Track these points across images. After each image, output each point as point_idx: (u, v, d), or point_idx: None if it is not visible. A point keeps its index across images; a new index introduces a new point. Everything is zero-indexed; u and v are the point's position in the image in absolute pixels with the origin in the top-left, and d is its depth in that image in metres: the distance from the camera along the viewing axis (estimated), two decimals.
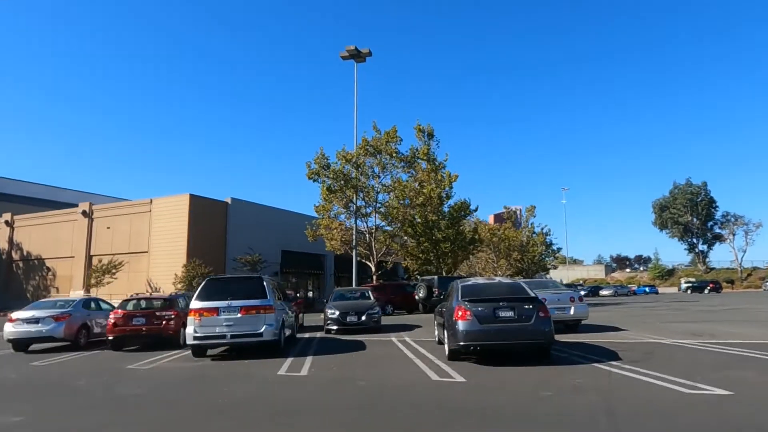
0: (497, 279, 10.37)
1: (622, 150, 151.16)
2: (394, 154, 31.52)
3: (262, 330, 10.65)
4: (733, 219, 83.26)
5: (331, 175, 29.59)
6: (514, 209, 68.87)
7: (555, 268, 76.32)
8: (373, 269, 32.42)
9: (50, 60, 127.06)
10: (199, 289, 11.15)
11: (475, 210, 37.52)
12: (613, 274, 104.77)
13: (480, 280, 10.37)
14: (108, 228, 38.11)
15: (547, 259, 69.64)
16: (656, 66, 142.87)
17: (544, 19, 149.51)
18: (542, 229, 70.37)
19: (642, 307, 28.66)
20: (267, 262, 36.62)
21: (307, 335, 15.90)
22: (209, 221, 36.42)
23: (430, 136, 35.51)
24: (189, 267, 32.38)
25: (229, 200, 38.58)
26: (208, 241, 35.84)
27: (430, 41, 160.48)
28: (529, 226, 68.63)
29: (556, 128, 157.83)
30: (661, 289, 75.89)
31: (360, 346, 12.55)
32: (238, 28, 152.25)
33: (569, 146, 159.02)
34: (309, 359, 10.19)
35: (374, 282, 32.12)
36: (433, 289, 26.60)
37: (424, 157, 35.11)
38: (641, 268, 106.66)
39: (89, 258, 38.34)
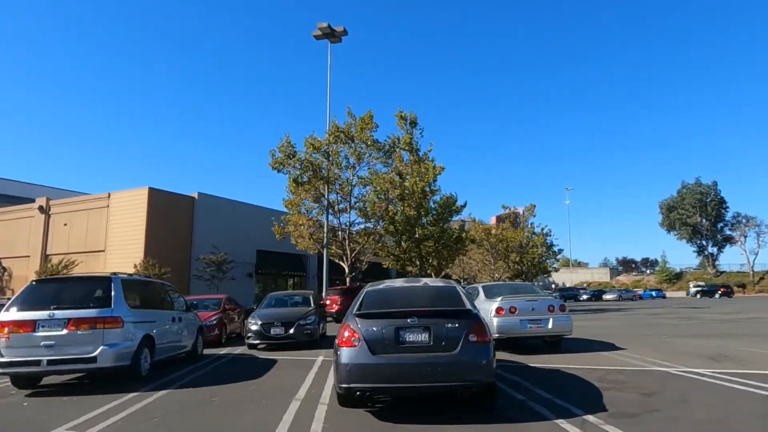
0: (423, 281, 7.02)
1: (628, 148, 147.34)
2: (369, 143, 28.31)
3: (96, 353, 7.46)
4: (744, 220, 79.40)
5: (297, 165, 26.41)
6: (513, 209, 65.53)
7: (556, 270, 72.91)
8: (347, 270, 29.21)
9: None
10: (16, 295, 8.01)
11: (463, 206, 34.22)
12: (618, 278, 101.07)
13: (398, 283, 7.04)
14: (65, 225, 35.15)
15: (548, 261, 66.41)
16: (663, 61, 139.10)
17: (548, 14, 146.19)
18: (542, 229, 67.46)
19: (647, 314, 25.28)
20: (235, 263, 33.46)
21: (224, 351, 12.74)
22: (173, 218, 33.35)
23: (413, 124, 32.27)
24: (143, 268, 29.29)
25: (195, 195, 35.50)
26: (170, 240, 32.78)
27: (424, 33, 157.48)
28: (529, 226, 65.53)
29: (559, 127, 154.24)
30: (668, 294, 72.19)
31: (265, 370, 9.39)
32: (205, 9, 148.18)
33: (573, 145, 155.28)
34: (155, 396, 6.98)
35: (347, 285, 28.93)
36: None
37: (406, 147, 31.89)
38: (648, 272, 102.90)
39: (45, 257, 35.36)
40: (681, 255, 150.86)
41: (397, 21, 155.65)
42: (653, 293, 66.49)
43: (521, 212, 65.74)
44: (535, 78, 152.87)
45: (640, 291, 68.62)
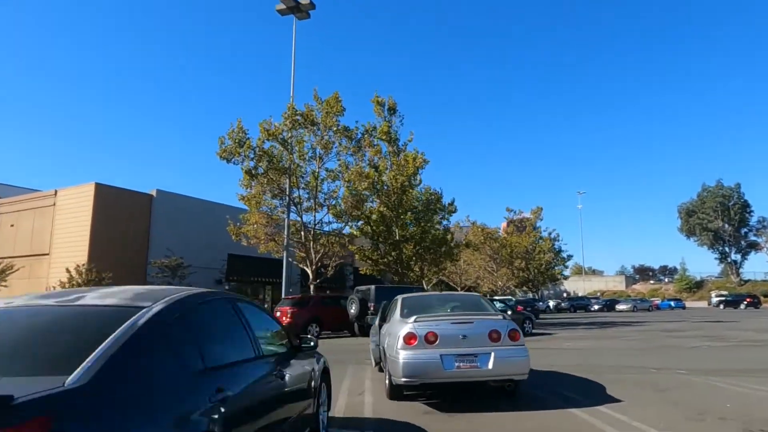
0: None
1: (644, 149, 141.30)
2: (334, 128, 24.52)
3: None
4: None
5: (246, 153, 22.69)
6: (519, 212, 61.12)
7: (566, 278, 68.25)
8: (311, 276, 25.37)
9: None
10: None
11: (451, 204, 30.22)
12: (634, 286, 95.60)
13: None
14: (12, 226, 31.94)
15: (556, 267, 61.77)
16: (681, 57, 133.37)
17: (564, 8, 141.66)
18: (550, 233, 62.92)
19: (662, 331, 20.94)
20: (194, 267, 29.88)
21: None
22: (126, 217, 29.92)
23: (392, 111, 28.52)
24: (84, 272, 25.82)
25: (154, 192, 32.07)
26: (122, 242, 29.32)
27: (418, 15, 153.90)
28: (535, 230, 61.07)
29: (569, 125, 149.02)
30: (688, 303, 66.91)
31: None
32: None
33: (584, 145, 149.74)
34: None
35: (311, 292, 25.09)
36: (369, 304, 19.46)
37: (384, 137, 28.10)
38: (666, 280, 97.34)
39: None
40: (702, 262, 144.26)
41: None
42: (672, 303, 61.37)
43: (528, 216, 61.47)
44: (543, 73, 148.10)
45: (657, 301, 63.53)
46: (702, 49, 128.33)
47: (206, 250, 32.58)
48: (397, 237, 26.56)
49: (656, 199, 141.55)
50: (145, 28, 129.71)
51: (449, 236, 30.06)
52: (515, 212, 59.56)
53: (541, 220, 61.36)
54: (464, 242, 38.55)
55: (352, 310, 19.82)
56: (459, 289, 55.69)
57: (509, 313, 18.69)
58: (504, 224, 60.10)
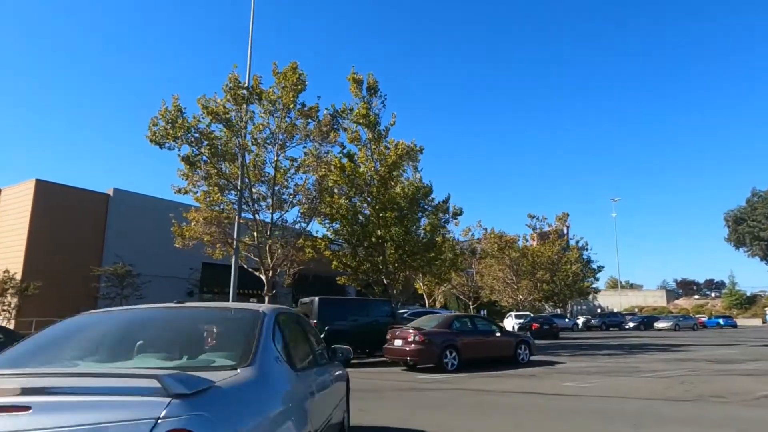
0: None
1: (686, 152, 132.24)
2: (291, 104, 20.24)
3: None
4: None
5: (180, 135, 18.55)
6: (542, 219, 55.19)
7: (597, 291, 61.64)
8: (266, 286, 20.96)
9: None
10: None
11: (445, 202, 25.45)
12: (677, 302, 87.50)
13: None
14: None
15: (586, 280, 55.46)
16: (728, 52, 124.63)
17: (599, 7, 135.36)
18: (577, 242, 56.84)
19: (710, 362, 15.45)
20: (145, 276, 25.99)
21: None
22: (77, 219, 26.44)
23: (372, 91, 24.06)
24: (16, 281, 22.28)
25: (110, 191, 28.56)
26: (71, 247, 25.79)
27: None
28: (561, 238, 55.12)
29: (602, 128, 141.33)
30: (740, 321, 59.30)
31: None
32: None
33: (619, 148, 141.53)
34: None
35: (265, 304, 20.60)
36: (311, 321, 14.83)
37: (362, 121, 23.66)
38: (713, 295, 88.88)
39: None
40: (753, 275, 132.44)
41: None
42: (720, 321, 54.06)
43: (554, 225, 55.54)
44: (572, 68, 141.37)
45: (703, 318, 56.28)
46: (749, 46, 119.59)
47: (173, 257, 28.53)
48: (374, 239, 21.95)
49: (700, 206, 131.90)
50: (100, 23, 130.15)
51: (439, 238, 25.17)
52: (538, 219, 53.75)
53: (568, 227, 55.50)
54: (470, 249, 33.42)
55: None
56: (470, 304, 50.31)
57: (498, 334, 13.88)
58: (533, 236, 54.17)
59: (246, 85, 19.37)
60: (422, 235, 23.84)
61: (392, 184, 23.20)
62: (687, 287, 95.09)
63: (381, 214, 22.51)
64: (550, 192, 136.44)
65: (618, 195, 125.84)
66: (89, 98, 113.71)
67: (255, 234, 20.88)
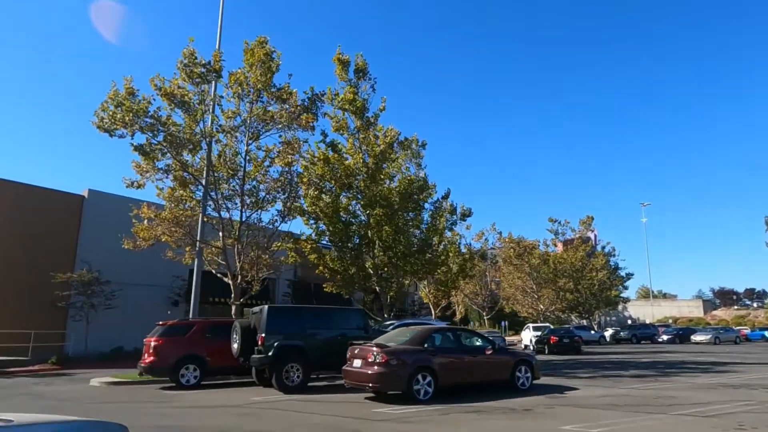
0: None
1: (721, 151, 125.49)
2: (260, 87, 17.71)
3: None
4: None
5: (129, 120, 16.10)
6: (565, 223, 51.22)
7: (625, 301, 57.13)
8: (233, 293, 18.32)
9: None
10: None
11: (445, 198, 22.51)
12: (714, 313, 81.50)
13: None
14: None
15: (614, 289, 51.22)
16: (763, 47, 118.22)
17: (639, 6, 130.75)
18: (603, 247, 52.79)
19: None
20: (115, 284, 23.68)
21: None
22: (46, 223, 24.38)
23: (361, 74, 21.39)
24: None
25: (85, 193, 26.50)
26: (38, 252, 23.70)
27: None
28: (585, 243, 51.15)
29: (631, 127, 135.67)
30: None
31: None
32: None
33: (648, 149, 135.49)
34: None
35: (233, 315, 18.02)
36: (258, 335, 12.10)
37: (348, 107, 20.99)
38: (754, 305, 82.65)
39: None
40: None
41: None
42: (766, 333, 49.05)
43: (577, 227, 51.64)
44: (587, 69, 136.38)
45: (745, 330, 51.29)
46: None
47: (156, 264, 26.19)
48: (360, 239, 19.13)
49: (738, 209, 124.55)
50: None
51: (436, 238, 22.13)
52: (560, 223, 49.91)
53: (594, 232, 51.52)
54: (480, 253, 30.21)
55: (234, 344, 12.51)
56: (484, 314, 46.79)
57: (489, 352, 10.92)
58: (560, 245, 50.25)
59: (203, 61, 16.84)
60: (418, 234, 20.89)
61: (381, 177, 20.35)
62: (725, 297, 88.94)
63: (368, 211, 19.69)
64: (572, 195, 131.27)
65: (647, 199, 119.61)
66: (64, 93, 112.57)
67: (221, 234, 18.32)
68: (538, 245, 46.94)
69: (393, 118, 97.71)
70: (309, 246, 21.22)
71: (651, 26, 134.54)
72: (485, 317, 45.31)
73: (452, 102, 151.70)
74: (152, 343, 13.36)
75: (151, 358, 13.24)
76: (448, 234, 28.45)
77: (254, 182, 19.17)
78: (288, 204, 18.91)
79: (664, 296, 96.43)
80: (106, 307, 22.98)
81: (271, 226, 19.06)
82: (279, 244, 20.32)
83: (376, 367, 9.86)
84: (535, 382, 11.86)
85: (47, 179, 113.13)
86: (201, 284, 22.96)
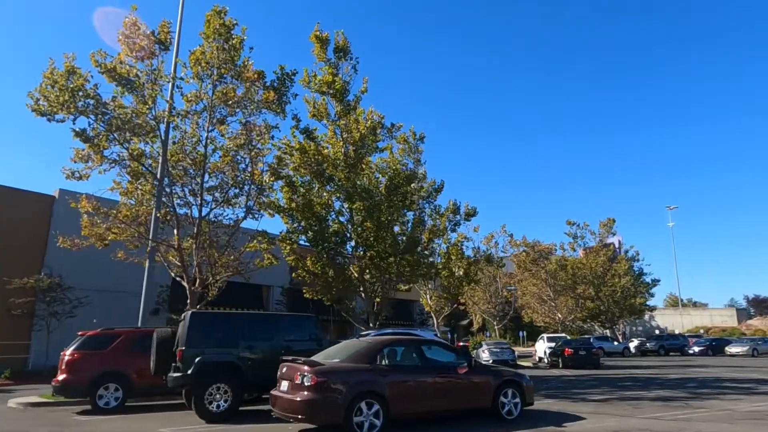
0: None
1: (752, 153, 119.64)
2: (217, 65, 15.59)
3: None
4: None
5: (66, 101, 14.08)
6: (584, 226, 47.88)
7: (651, 309, 53.22)
8: (189, 300, 16.09)
9: None
10: None
11: (438, 191, 20.05)
12: (750, 322, 76.40)
13: None
14: None
15: (639, 296, 47.55)
16: None
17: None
18: (626, 251, 49.32)
19: None
20: (84, 290, 21.77)
21: None
22: (12, 225, 22.71)
23: (342, 53, 19.16)
24: None
25: (56, 193, 24.78)
26: (1, 259, 21.99)
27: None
28: (606, 247, 47.78)
29: (656, 127, 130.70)
30: None
31: None
32: None
33: (673, 151, 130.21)
34: None
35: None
36: (179, 348, 9.73)
37: (326, 89, 18.76)
38: None
39: None
40: None
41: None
42: None
43: (597, 230, 48.34)
44: (623, 60, 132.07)
45: None
46: None
47: (133, 269, 24.27)
48: (336, 236, 16.75)
49: None
50: None
51: (425, 235, 19.57)
52: (579, 226, 46.70)
53: (614, 234, 48.12)
54: (486, 256, 27.50)
55: (153, 357, 10.19)
56: (495, 324, 43.73)
57: (464, 370, 8.45)
58: (582, 252, 46.96)
59: (147, 31, 14.75)
60: (407, 231, 18.43)
61: (362, 167, 17.97)
62: (761, 305, 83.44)
63: (348, 205, 17.31)
64: (592, 199, 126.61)
65: (673, 202, 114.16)
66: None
67: (175, 232, 16.14)
68: (555, 249, 43.89)
69: (393, 117, 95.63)
70: (288, 247, 18.96)
71: (677, 28, 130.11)
72: (496, 326, 42.28)
73: (460, 102, 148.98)
74: (66, 358, 11.15)
75: (64, 375, 11.04)
76: (454, 236, 26.02)
77: (220, 175, 17.02)
78: (255, 198, 16.65)
79: (694, 305, 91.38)
80: (68, 316, 21.05)
81: (231, 221, 16.77)
82: (252, 245, 18.11)
83: (304, 393, 7.42)
84: (526, 408, 9.24)
85: (19, 179, 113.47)
86: (176, 292, 20.72)
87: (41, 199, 24.29)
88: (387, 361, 8.22)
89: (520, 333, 50.65)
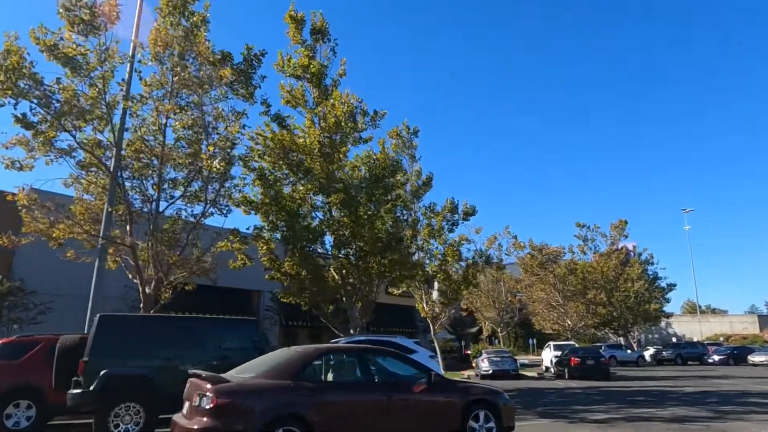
0: None
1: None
2: (169, 44, 14.12)
3: None
4: None
5: (11, 82, 12.61)
6: (594, 228, 45.60)
7: (666, 316, 50.52)
8: (142, 303, 14.54)
9: None
10: None
11: (426, 184, 18.36)
12: None
13: None
14: None
15: (653, 302, 45.05)
16: None
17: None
18: (639, 254, 46.98)
19: None
20: (44, 295, 20.29)
21: None
22: None
23: (319, 35, 17.57)
24: None
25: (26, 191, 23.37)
26: None
27: None
28: (618, 250, 45.50)
29: (669, 128, 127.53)
30: None
31: None
32: None
33: (688, 152, 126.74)
34: None
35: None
36: (83, 359, 7.98)
37: (301, 73, 17.20)
38: None
39: None
40: None
41: None
42: None
43: (608, 233, 46.08)
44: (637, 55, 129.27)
45: None
46: None
47: (108, 273, 22.76)
48: (299, 231, 15.05)
49: None
50: None
51: (408, 231, 17.80)
52: (589, 228, 44.47)
53: (626, 237, 45.80)
54: (484, 257, 25.58)
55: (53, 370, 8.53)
56: (498, 330, 41.57)
57: (421, 388, 6.53)
58: (594, 257, 44.68)
59: (89, 2, 13.26)
60: (389, 226, 16.68)
61: (340, 156, 16.28)
62: None
63: (322, 198, 15.63)
64: (602, 201, 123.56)
65: (689, 205, 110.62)
66: None
67: (128, 228, 14.59)
68: (564, 253, 41.71)
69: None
70: (265, 247, 17.32)
71: (694, 27, 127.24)
72: (500, 334, 40.19)
73: (463, 102, 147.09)
74: None
75: None
76: (453, 236, 24.27)
77: (183, 169, 15.46)
78: (216, 191, 15.06)
79: (713, 311, 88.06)
80: (32, 322, 19.56)
81: (189, 217, 15.18)
82: (222, 244, 16.50)
83: (202, 418, 5.70)
84: None
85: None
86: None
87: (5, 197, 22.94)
88: (318, 376, 6.46)
89: (530, 340, 48.41)
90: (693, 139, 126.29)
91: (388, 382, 6.90)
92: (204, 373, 6.10)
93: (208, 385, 5.80)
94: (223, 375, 6.31)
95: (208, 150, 14.34)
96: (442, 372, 12.58)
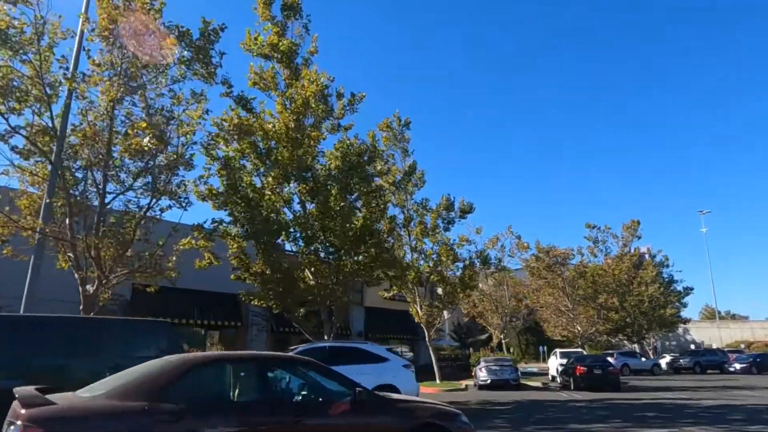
0: None
1: None
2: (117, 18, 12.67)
3: None
4: None
5: None
6: (605, 229, 43.35)
7: (683, 321, 47.89)
8: (82, 304, 12.98)
9: None
10: None
11: (409, 173, 16.72)
12: None
13: None
14: None
15: (668, 306, 42.61)
16: None
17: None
18: (653, 256, 44.61)
19: None
20: (17, 299, 18.88)
21: None
22: None
23: (290, 11, 16.02)
24: None
25: None
26: None
27: None
28: (631, 251, 43.23)
29: (687, 128, 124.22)
30: None
31: None
32: None
33: (703, 152, 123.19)
34: None
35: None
36: None
37: (270, 52, 15.66)
38: None
39: None
40: None
41: None
42: None
43: (620, 234, 43.84)
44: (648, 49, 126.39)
45: None
46: None
47: (65, 274, 21.31)
48: (260, 224, 13.39)
49: None
50: None
51: (386, 224, 16.03)
52: (599, 229, 42.25)
53: (639, 238, 43.46)
54: (482, 257, 23.73)
55: None
56: (501, 336, 39.43)
57: (346, 406, 4.56)
58: (607, 260, 42.44)
59: None
60: (364, 217, 14.94)
61: (309, 141, 14.63)
62: None
63: (288, 189, 13.99)
64: (615, 202, 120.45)
65: (706, 206, 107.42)
66: None
67: (67, 221, 13.07)
68: (573, 255, 39.57)
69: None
70: (236, 245, 15.70)
71: (715, 25, 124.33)
72: (503, 341, 38.12)
73: (468, 100, 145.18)
74: None
75: None
76: (450, 236, 22.55)
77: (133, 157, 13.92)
78: (165, 181, 13.49)
79: (733, 317, 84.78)
80: None
81: (137, 209, 13.60)
82: (185, 241, 14.93)
83: None
84: None
85: None
86: (139, 299, 17.76)
87: None
88: (193, 395, 4.73)
89: (541, 348, 46.25)
90: (710, 139, 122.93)
91: (299, 401, 5.17)
92: (23, 391, 4.42)
93: (23, 411, 4.13)
94: (60, 394, 4.63)
95: (139, 128, 12.77)
96: (416, 387, 10.78)
